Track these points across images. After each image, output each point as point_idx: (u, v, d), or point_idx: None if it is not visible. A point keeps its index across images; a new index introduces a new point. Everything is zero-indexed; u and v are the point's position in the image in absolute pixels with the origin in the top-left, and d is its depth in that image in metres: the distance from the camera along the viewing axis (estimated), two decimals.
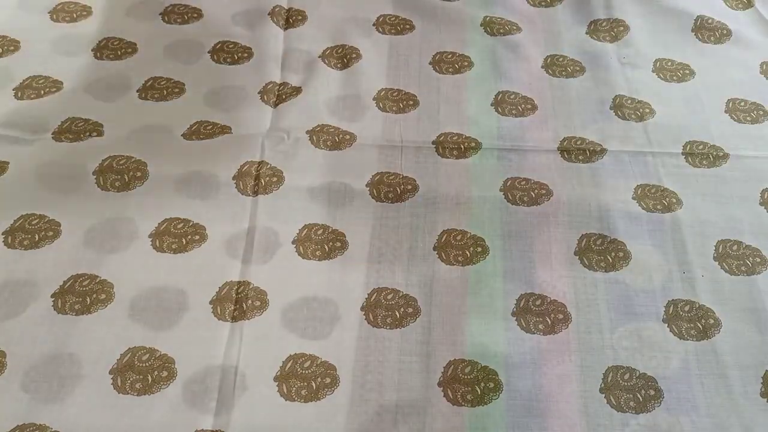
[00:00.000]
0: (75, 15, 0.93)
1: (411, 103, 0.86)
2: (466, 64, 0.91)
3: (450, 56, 0.92)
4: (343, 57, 0.90)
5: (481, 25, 0.96)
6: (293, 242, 0.72)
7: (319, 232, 0.73)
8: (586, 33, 0.96)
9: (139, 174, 0.76)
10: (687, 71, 0.91)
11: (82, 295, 0.66)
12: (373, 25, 0.95)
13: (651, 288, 0.70)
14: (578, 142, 0.82)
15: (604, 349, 0.66)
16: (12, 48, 0.88)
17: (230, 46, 0.91)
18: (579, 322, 0.67)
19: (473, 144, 0.81)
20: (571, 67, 0.91)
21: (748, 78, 0.91)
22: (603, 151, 0.81)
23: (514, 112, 0.85)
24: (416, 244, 0.72)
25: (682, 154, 0.82)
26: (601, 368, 0.64)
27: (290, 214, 0.74)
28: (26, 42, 0.89)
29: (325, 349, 0.64)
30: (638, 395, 0.63)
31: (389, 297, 0.68)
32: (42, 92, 0.83)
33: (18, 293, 0.66)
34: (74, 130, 0.79)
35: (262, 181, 0.76)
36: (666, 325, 0.67)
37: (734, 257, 0.73)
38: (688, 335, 0.66)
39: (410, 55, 0.92)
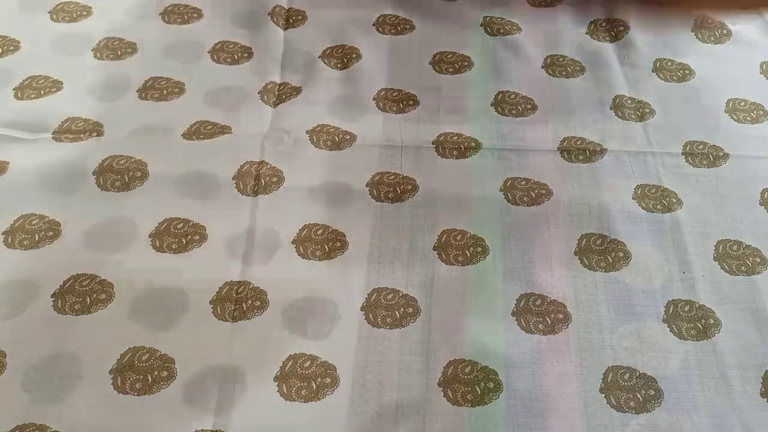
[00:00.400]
0: (75, 15, 0.93)
1: (411, 103, 0.86)
2: (466, 64, 0.91)
3: (450, 56, 0.92)
4: (343, 57, 0.90)
5: (481, 25, 0.96)
6: (293, 242, 0.72)
7: (319, 232, 0.73)
8: (586, 33, 0.96)
9: (139, 174, 0.76)
10: (687, 71, 0.91)
11: (82, 295, 0.66)
12: (373, 25, 0.95)
13: (651, 288, 0.70)
14: (578, 142, 0.82)
15: (604, 349, 0.66)
16: (12, 48, 0.89)
17: (230, 46, 0.91)
18: (579, 322, 0.67)
19: (473, 144, 0.81)
20: (571, 67, 0.91)
21: (748, 78, 0.91)
22: (603, 151, 0.81)
23: (514, 112, 0.85)
24: (416, 244, 0.72)
25: (682, 154, 0.82)
26: (600, 368, 0.64)
27: (290, 213, 0.74)
28: (26, 42, 0.89)
29: (325, 349, 0.64)
30: (638, 395, 0.63)
31: (389, 297, 0.68)
32: (42, 92, 0.83)
33: (18, 293, 0.66)
34: (74, 130, 0.79)
35: (262, 181, 0.76)
36: (666, 325, 0.67)
37: (734, 257, 0.73)
38: (688, 335, 0.66)
39: (410, 55, 0.92)
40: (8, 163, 0.76)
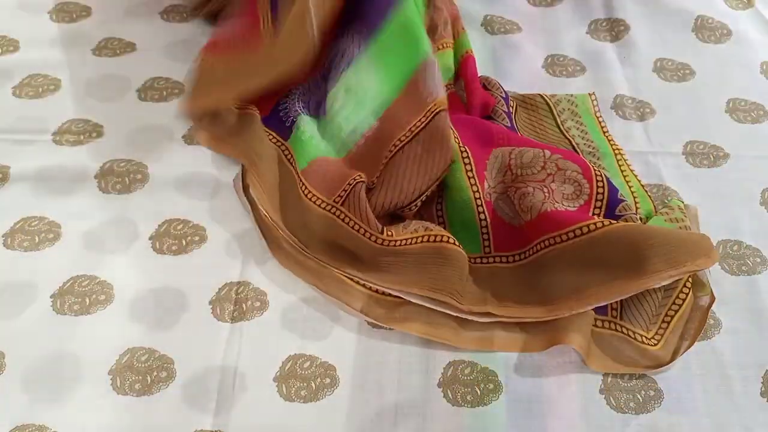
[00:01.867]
0: (75, 15, 0.93)
1: None
2: None
3: None
4: None
5: (481, 25, 0.96)
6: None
7: None
8: (586, 33, 0.96)
9: (139, 176, 0.76)
10: (687, 71, 0.91)
11: (81, 295, 0.66)
12: None
13: None
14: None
15: None
16: (12, 48, 0.89)
17: None
18: None
19: None
20: (572, 67, 0.91)
21: (748, 78, 0.91)
22: None
23: None
24: None
25: (683, 153, 0.82)
26: None
27: None
28: (26, 42, 0.89)
29: (324, 349, 0.64)
30: (638, 396, 0.63)
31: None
32: (41, 90, 0.83)
33: (18, 294, 0.66)
34: (74, 131, 0.79)
35: None
36: None
37: (734, 257, 0.73)
38: (689, 335, 0.66)
39: None
40: (9, 166, 0.76)
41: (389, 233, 0.66)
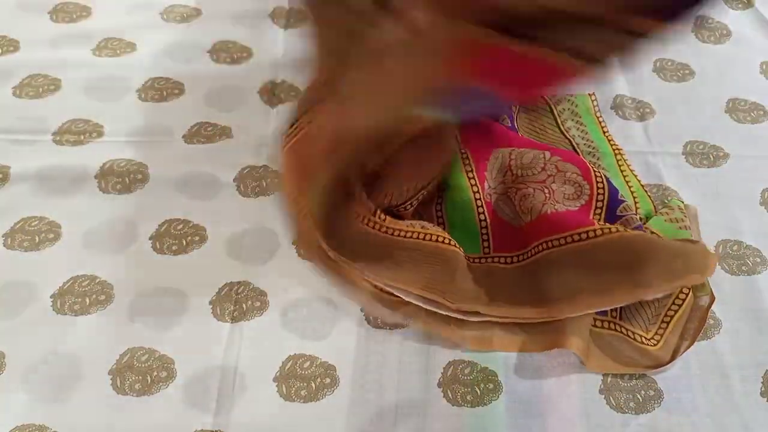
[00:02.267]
0: (75, 15, 0.94)
1: None
2: None
3: None
4: None
5: None
6: (294, 243, 0.72)
7: None
8: None
9: (139, 176, 0.76)
10: (687, 71, 0.91)
11: (81, 295, 0.66)
12: None
13: None
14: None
15: None
16: (12, 48, 0.89)
17: (230, 46, 0.91)
18: None
19: None
20: None
21: (748, 78, 0.91)
22: None
23: None
24: None
25: (683, 153, 0.82)
26: None
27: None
28: (26, 42, 0.89)
29: (325, 349, 0.64)
30: (638, 396, 0.63)
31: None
32: (41, 90, 0.84)
33: (17, 294, 0.66)
34: (74, 131, 0.79)
35: (264, 183, 0.76)
36: None
37: (734, 257, 0.72)
38: (689, 335, 0.66)
39: None
40: (8, 164, 0.76)
41: (381, 217, 0.66)
